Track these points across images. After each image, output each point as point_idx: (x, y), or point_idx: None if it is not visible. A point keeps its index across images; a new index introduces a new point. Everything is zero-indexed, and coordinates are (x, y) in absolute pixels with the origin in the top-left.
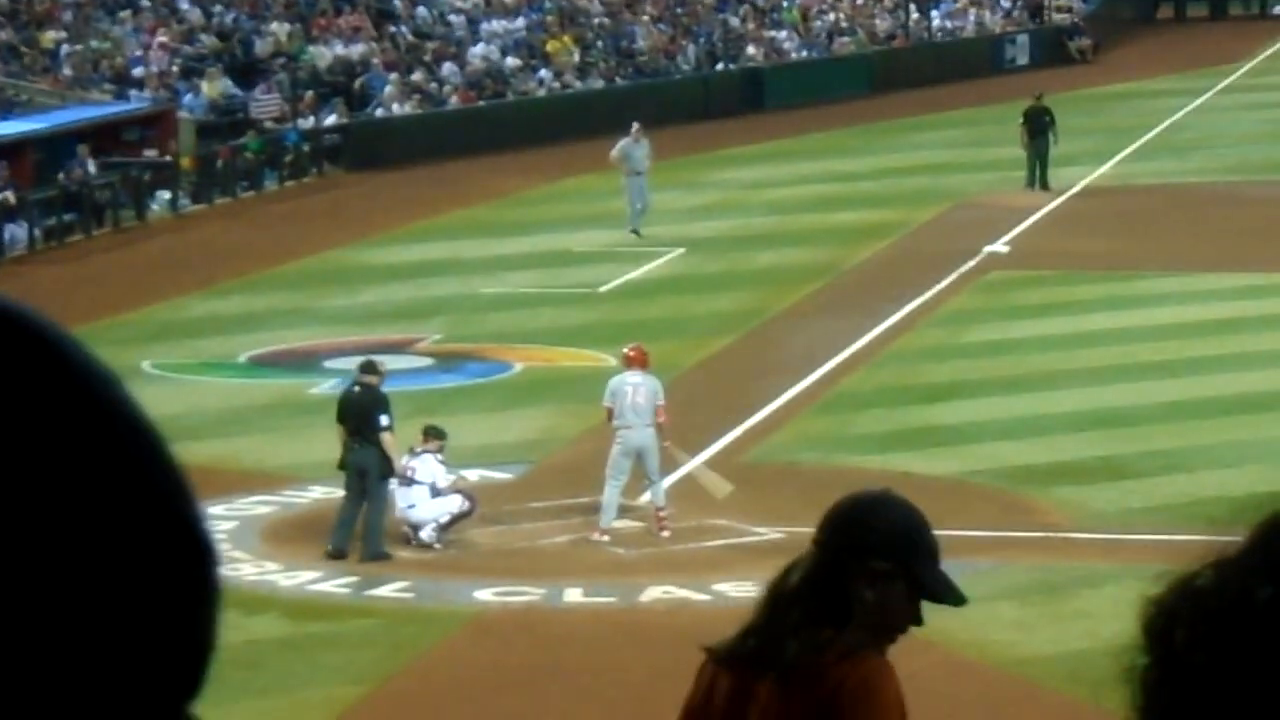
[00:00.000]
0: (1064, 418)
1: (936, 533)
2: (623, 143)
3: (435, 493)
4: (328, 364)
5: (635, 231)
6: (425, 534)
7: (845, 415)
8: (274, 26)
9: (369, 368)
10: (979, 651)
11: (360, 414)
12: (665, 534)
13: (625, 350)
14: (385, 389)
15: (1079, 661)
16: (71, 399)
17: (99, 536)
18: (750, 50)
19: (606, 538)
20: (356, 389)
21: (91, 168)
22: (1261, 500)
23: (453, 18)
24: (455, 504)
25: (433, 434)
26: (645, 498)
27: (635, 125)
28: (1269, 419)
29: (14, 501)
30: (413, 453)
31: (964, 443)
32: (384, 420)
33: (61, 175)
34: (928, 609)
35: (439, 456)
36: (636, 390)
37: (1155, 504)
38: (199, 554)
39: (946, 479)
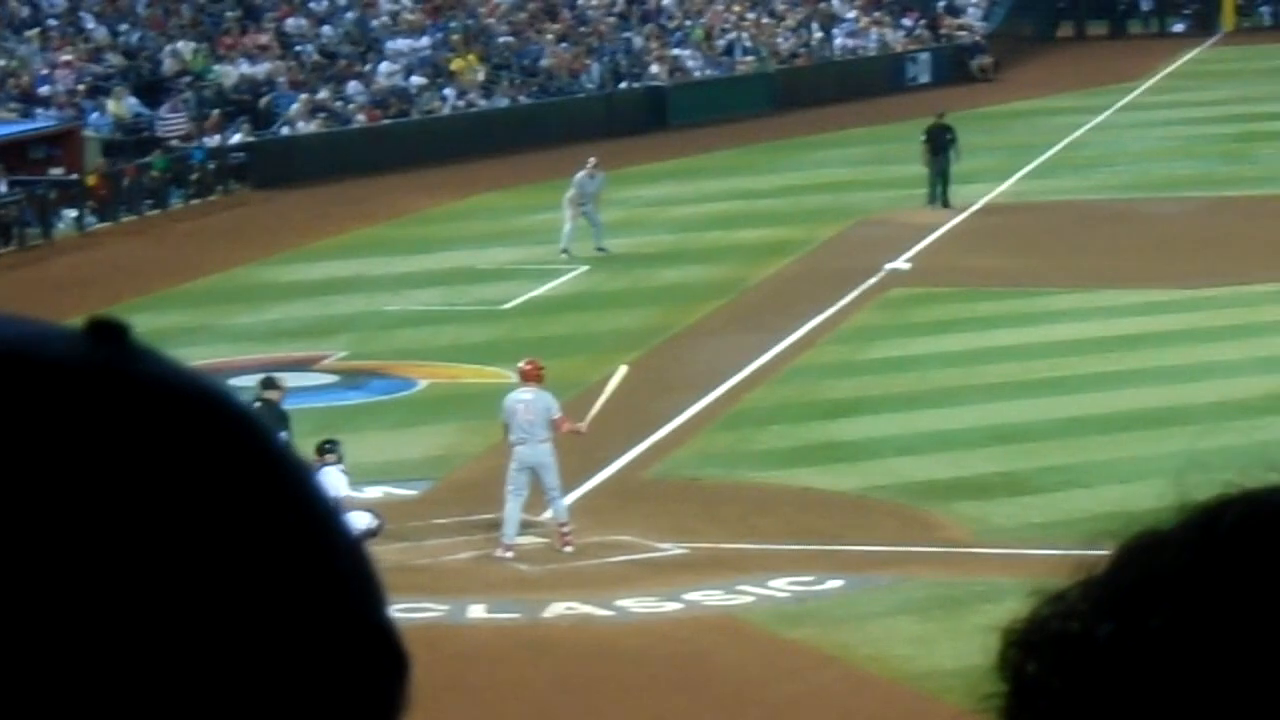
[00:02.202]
0: (964, 433)
1: (836, 548)
2: (578, 177)
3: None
4: (233, 382)
5: (566, 251)
6: None
7: (747, 431)
8: (180, 45)
9: (269, 383)
10: (879, 666)
11: None
12: (568, 549)
13: (520, 365)
14: (290, 405)
15: (979, 676)
16: (277, 496)
17: (298, 645)
18: (654, 69)
19: (510, 554)
20: (257, 405)
21: (3, 186)
22: (1154, 516)
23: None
24: (364, 521)
25: (327, 448)
26: (548, 514)
27: (592, 160)
28: (1167, 434)
29: (215, 606)
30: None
31: (865, 458)
32: (281, 437)
33: None
34: (829, 624)
35: (342, 468)
36: (528, 407)
37: (1054, 519)
38: (397, 665)
39: (848, 494)
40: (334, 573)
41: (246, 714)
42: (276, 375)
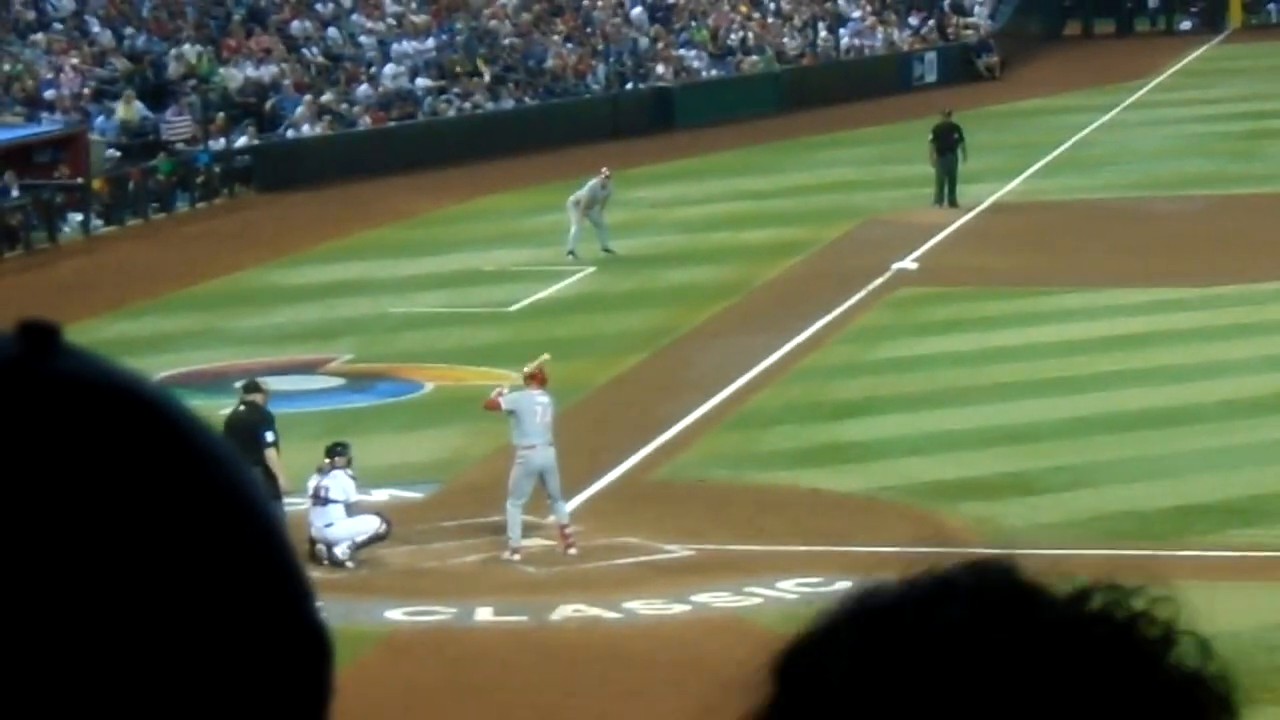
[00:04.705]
0: (973, 433)
1: (845, 549)
2: (591, 184)
3: (350, 510)
4: (239, 385)
5: (572, 253)
6: (339, 550)
7: (755, 432)
8: (185, 49)
9: (252, 386)
10: None
11: (245, 432)
12: (573, 552)
13: (527, 369)
14: (297, 409)
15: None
16: (202, 492)
17: (227, 637)
18: (660, 69)
19: (517, 556)
20: (241, 408)
21: (15, 191)
22: (1162, 515)
23: (363, 39)
24: (373, 524)
25: (337, 451)
26: (550, 518)
27: (605, 171)
28: (1175, 434)
29: (144, 600)
30: (322, 471)
31: (873, 459)
32: (268, 437)
33: None
34: None
35: (349, 472)
36: (546, 410)
37: (1064, 519)
38: (322, 654)
39: (856, 496)
40: (260, 571)
41: (172, 709)
42: (259, 378)
